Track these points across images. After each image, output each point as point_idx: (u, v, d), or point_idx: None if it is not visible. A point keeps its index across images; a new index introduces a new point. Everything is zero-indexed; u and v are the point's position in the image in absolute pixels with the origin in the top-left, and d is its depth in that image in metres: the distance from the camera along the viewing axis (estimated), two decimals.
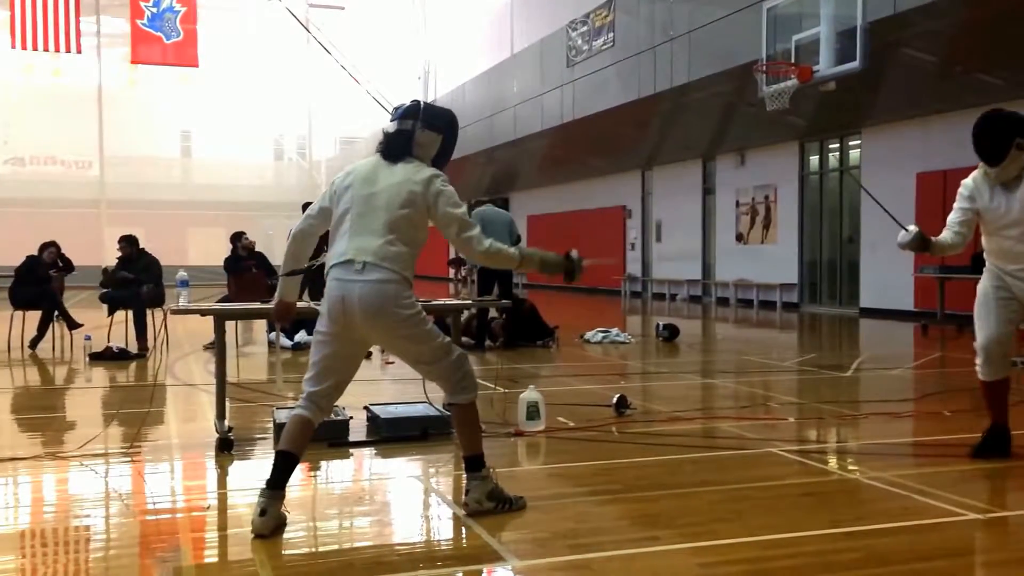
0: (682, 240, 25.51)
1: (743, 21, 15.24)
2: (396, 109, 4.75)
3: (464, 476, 4.72)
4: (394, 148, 4.64)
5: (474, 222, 4.60)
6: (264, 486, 4.37)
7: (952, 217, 5.79)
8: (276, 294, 4.97)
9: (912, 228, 5.82)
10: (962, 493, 4.92)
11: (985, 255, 5.82)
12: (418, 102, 4.75)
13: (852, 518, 4.58)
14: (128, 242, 12.54)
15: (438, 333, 4.59)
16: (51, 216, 33.77)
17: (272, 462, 4.48)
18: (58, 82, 38.93)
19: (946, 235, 5.79)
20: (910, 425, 7.16)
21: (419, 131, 4.63)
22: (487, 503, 4.62)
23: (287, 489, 4.44)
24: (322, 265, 4.78)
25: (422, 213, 4.51)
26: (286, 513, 4.45)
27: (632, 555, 4.01)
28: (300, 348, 12.44)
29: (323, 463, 5.94)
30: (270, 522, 4.30)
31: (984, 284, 5.78)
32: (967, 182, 5.76)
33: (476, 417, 4.73)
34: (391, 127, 4.69)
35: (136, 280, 12.14)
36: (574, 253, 4.78)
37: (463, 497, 4.69)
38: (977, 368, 5.81)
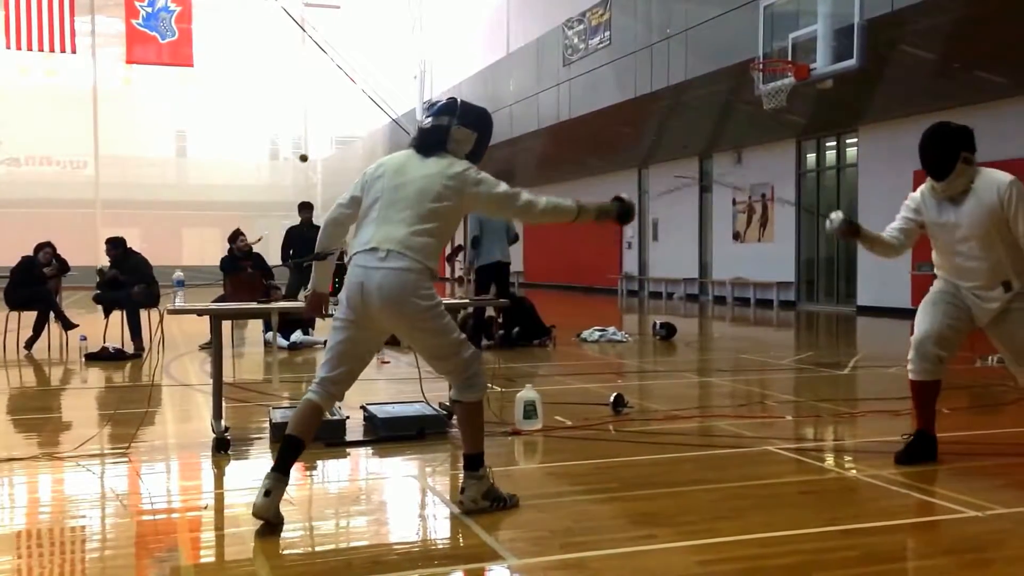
0: (679, 239, 25.53)
1: (740, 19, 15.22)
2: (432, 106, 4.83)
3: (461, 474, 4.71)
4: (428, 142, 4.69)
5: (520, 191, 4.67)
6: (271, 468, 4.40)
7: (892, 224, 5.67)
8: (310, 285, 5.00)
9: (836, 214, 5.65)
10: (960, 491, 4.92)
11: (937, 270, 5.65)
12: (455, 99, 4.80)
13: (850, 516, 4.57)
14: (113, 245, 12.48)
15: (455, 328, 4.63)
16: (46, 216, 33.74)
17: (280, 446, 4.52)
18: (53, 82, 38.91)
19: (885, 233, 5.66)
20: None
21: (455, 127, 4.69)
22: (482, 502, 4.62)
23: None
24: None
25: (455, 207, 4.57)
26: (282, 516, 4.44)
27: (629, 553, 4.00)
28: (296, 348, 12.44)
29: (320, 463, 5.92)
30: (273, 505, 4.32)
31: (936, 287, 5.63)
32: (914, 195, 5.62)
33: (481, 416, 4.73)
34: (426, 123, 4.76)
35: (124, 281, 12.08)
36: (624, 195, 4.89)
37: (459, 495, 4.69)
38: (908, 365, 5.65)
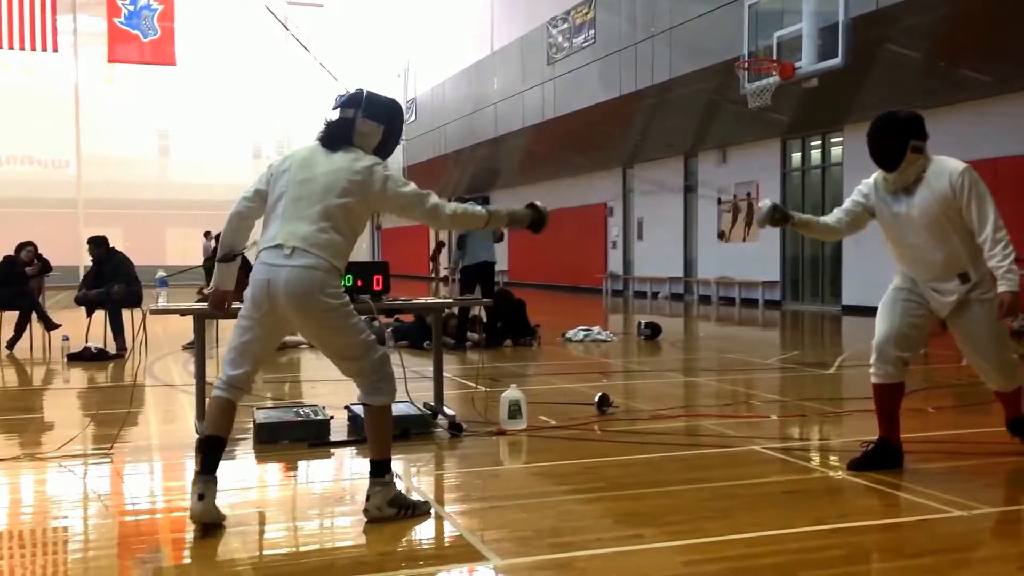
0: (663, 238, 25.55)
1: (725, 17, 15.24)
2: (339, 97, 4.67)
3: (368, 480, 4.60)
4: (334, 136, 4.57)
5: (428, 193, 4.56)
6: (198, 470, 4.36)
7: (840, 207, 5.60)
8: (212, 282, 4.86)
9: (765, 202, 5.59)
10: (946, 490, 4.92)
11: (895, 264, 5.55)
12: (361, 91, 4.66)
13: (836, 515, 4.57)
14: (96, 244, 12.40)
15: (364, 329, 4.51)
16: (28, 216, 33.55)
17: (201, 449, 4.46)
18: (34, 81, 38.66)
19: (828, 216, 5.60)
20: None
21: (360, 120, 4.56)
22: (388, 509, 4.51)
23: (267, 489, 4.39)
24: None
25: (362, 203, 4.45)
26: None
27: (616, 553, 3.98)
28: (280, 348, 12.37)
29: (304, 463, 5.89)
30: (210, 506, 4.28)
31: (893, 285, 5.52)
32: (867, 180, 5.49)
33: (388, 421, 4.63)
34: (333, 115, 4.62)
35: (104, 291, 12.02)
36: (539, 203, 4.81)
37: (365, 503, 4.57)
38: (870, 369, 5.50)
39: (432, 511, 4.69)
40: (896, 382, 5.43)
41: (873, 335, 5.47)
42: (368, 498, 4.55)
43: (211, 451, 4.40)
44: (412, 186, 4.52)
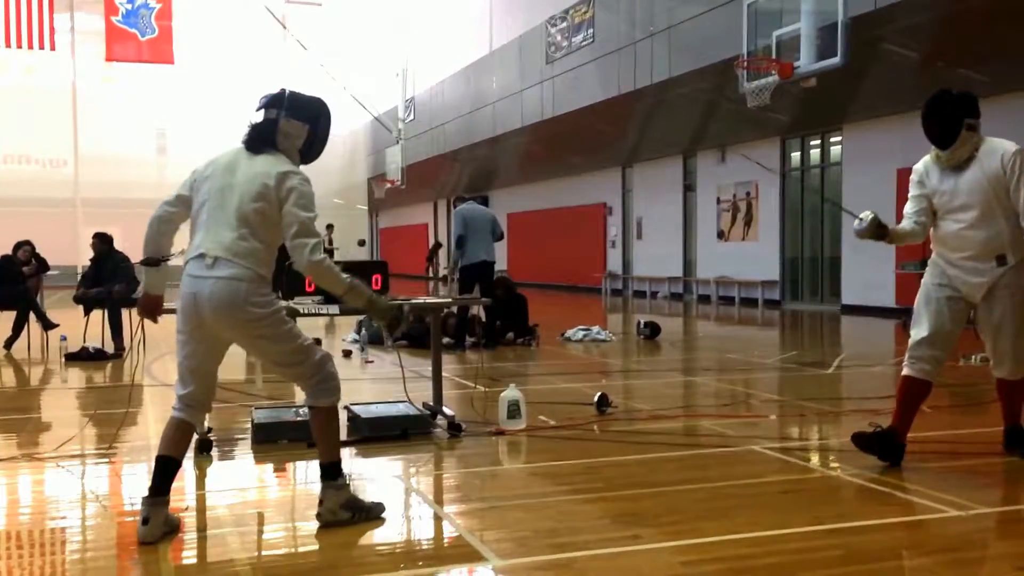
0: (663, 238, 25.55)
1: (723, 17, 15.23)
2: (263, 98, 4.52)
3: (320, 484, 4.54)
4: (257, 138, 4.43)
5: (316, 233, 4.34)
6: (146, 494, 4.26)
7: (908, 207, 5.57)
8: (141, 287, 4.69)
9: (866, 214, 5.52)
10: (943, 490, 4.92)
11: (932, 244, 5.57)
12: (284, 90, 4.53)
13: (834, 515, 4.57)
14: (100, 239, 12.43)
15: (299, 334, 4.41)
16: (25, 215, 33.44)
17: (153, 469, 4.37)
18: (31, 80, 38.58)
19: (905, 224, 5.58)
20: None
21: (283, 120, 4.42)
22: (342, 513, 4.45)
23: (265, 489, 4.38)
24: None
25: (275, 209, 4.29)
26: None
27: (614, 554, 3.98)
28: None
29: (303, 463, 5.88)
30: (155, 530, 4.19)
31: (926, 280, 5.53)
32: (917, 167, 5.55)
33: (336, 422, 4.56)
34: (257, 116, 4.48)
35: (104, 290, 12.02)
36: (406, 307, 4.73)
37: (317, 507, 4.50)
38: (904, 362, 5.55)
39: (385, 514, 4.60)
40: (929, 380, 5.50)
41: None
42: (321, 502, 4.48)
43: (161, 473, 4.31)
44: (307, 216, 4.28)
